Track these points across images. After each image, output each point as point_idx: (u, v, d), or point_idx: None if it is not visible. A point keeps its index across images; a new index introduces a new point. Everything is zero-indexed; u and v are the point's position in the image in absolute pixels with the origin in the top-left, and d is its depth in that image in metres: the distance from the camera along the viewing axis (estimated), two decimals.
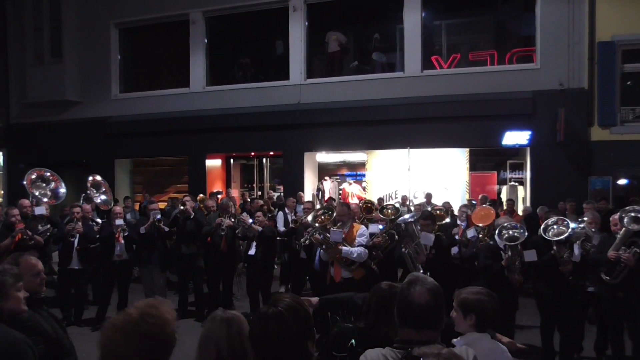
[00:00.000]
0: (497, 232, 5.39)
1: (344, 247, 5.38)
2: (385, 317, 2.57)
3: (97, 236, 7.62)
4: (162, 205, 11.36)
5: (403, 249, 5.77)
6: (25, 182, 7.89)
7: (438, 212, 7.22)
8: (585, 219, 6.43)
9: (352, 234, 5.53)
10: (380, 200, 11.60)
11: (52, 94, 14.28)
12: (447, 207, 8.80)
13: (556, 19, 10.78)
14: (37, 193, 7.87)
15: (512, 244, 5.12)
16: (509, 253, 5.12)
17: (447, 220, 7.62)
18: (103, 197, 9.02)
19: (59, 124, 14.43)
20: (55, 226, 7.66)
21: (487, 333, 2.59)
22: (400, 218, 6.51)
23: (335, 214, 5.58)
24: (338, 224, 5.52)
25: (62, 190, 8.25)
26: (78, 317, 7.63)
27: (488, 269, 5.21)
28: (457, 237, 7.17)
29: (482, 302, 2.54)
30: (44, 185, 8.11)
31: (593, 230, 6.16)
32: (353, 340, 2.72)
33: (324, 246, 5.52)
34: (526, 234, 5.28)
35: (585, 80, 10.62)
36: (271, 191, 13.93)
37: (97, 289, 8.67)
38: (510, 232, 5.23)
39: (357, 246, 5.44)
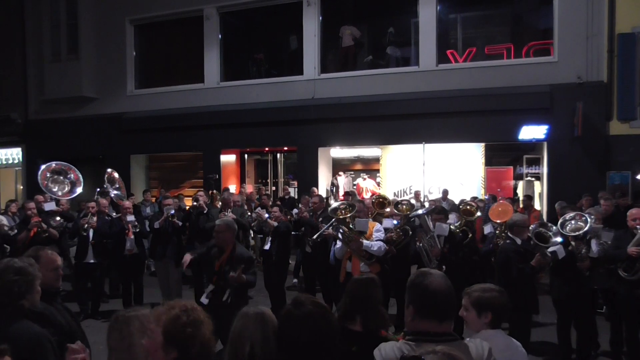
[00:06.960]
0: (559, 223, 5.31)
1: (364, 241, 5.40)
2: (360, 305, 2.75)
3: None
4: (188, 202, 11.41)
5: (418, 243, 5.73)
6: (39, 179, 7.92)
7: (469, 207, 7.06)
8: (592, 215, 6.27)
9: (370, 230, 5.57)
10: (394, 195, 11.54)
11: (69, 91, 14.50)
12: (477, 204, 8.62)
13: (574, 11, 10.56)
14: (55, 188, 7.94)
15: (575, 234, 5.16)
16: (573, 244, 5.15)
17: (479, 214, 7.40)
18: (116, 192, 9.12)
19: (76, 120, 14.62)
20: (69, 220, 7.74)
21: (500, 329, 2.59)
22: (412, 213, 6.47)
23: (355, 210, 5.59)
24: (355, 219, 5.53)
25: (79, 189, 8.24)
26: (95, 310, 7.73)
27: (521, 272, 4.87)
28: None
29: (496, 299, 2.55)
30: (61, 178, 8.13)
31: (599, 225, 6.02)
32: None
33: (346, 240, 5.47)
34: (589, 222, 5.26)
35: (604, 73, 10.40)
36: (287, 187, 13.95)
37: (113, 283, 8.83)
38: (573, 223, 5.23)
39: (376, 241, 5.48)
